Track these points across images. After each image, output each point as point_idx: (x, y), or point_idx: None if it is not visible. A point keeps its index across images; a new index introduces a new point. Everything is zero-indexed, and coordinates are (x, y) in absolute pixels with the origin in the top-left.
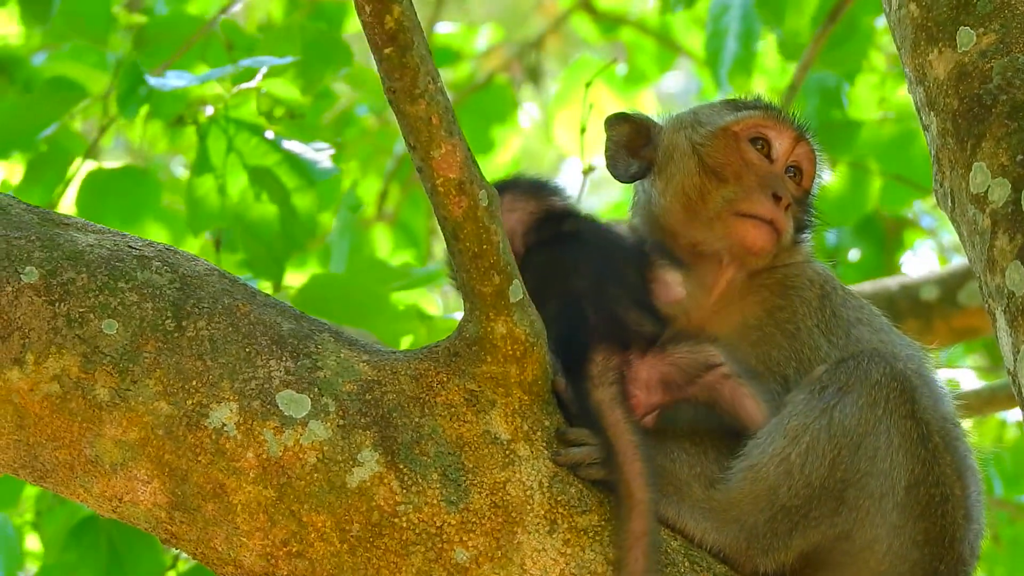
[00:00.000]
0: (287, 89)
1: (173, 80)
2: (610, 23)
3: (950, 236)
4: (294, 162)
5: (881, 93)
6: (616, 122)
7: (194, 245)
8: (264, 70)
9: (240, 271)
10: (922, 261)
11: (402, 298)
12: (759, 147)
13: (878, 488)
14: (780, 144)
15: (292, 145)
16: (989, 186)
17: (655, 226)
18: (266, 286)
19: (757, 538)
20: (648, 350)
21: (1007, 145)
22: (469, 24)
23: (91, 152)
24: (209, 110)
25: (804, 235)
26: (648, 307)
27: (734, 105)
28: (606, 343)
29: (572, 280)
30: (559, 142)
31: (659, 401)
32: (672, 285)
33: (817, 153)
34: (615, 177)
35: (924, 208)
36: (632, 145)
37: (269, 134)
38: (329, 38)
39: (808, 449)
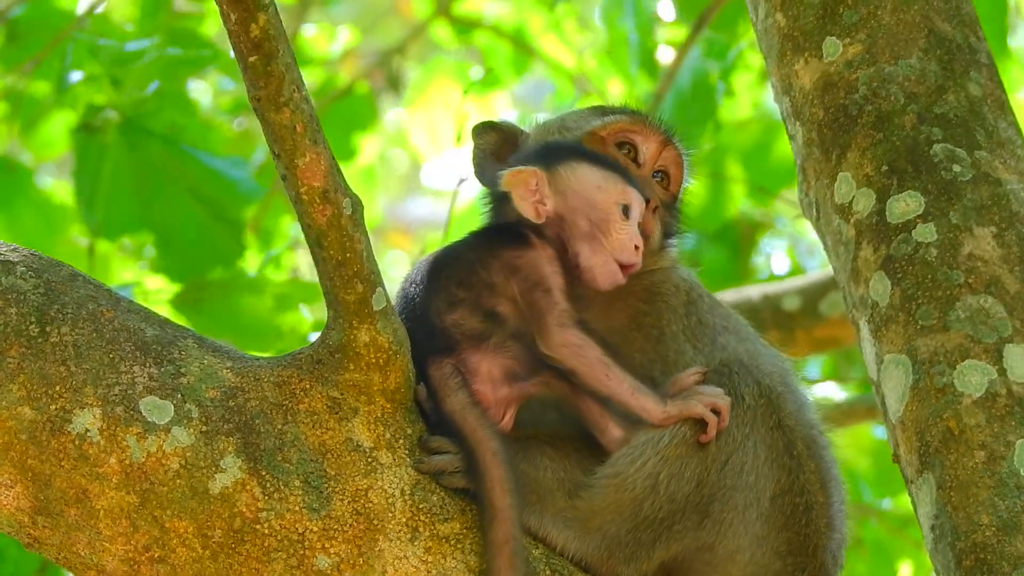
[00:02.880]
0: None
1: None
2: (466, 27)
3: (806, 240)
4: (217, 178)
5: (757, 92)
6: (483, 130)
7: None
8: (155, 85)
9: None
10: (777, 263)
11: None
12: (626, 151)
13: (743, 500)
14: (647, 148)
15: (212, 160)
16: (854, 196)
17: None
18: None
19: (619, 547)
20: (480, 345)
21: (872, 156)
22: (325, 25)
23: None
24: (113, 115)
25: (671, 240)
26: (471, 303)
27: (601, 111)
28: (432, 352)
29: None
30: (415, 144)
31: (507, 395)
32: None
33: (684, 157)
34: (483, 184)
35: (780, 212)
36: (500, 152)
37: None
38: (193, 36)
39: (677, 471)
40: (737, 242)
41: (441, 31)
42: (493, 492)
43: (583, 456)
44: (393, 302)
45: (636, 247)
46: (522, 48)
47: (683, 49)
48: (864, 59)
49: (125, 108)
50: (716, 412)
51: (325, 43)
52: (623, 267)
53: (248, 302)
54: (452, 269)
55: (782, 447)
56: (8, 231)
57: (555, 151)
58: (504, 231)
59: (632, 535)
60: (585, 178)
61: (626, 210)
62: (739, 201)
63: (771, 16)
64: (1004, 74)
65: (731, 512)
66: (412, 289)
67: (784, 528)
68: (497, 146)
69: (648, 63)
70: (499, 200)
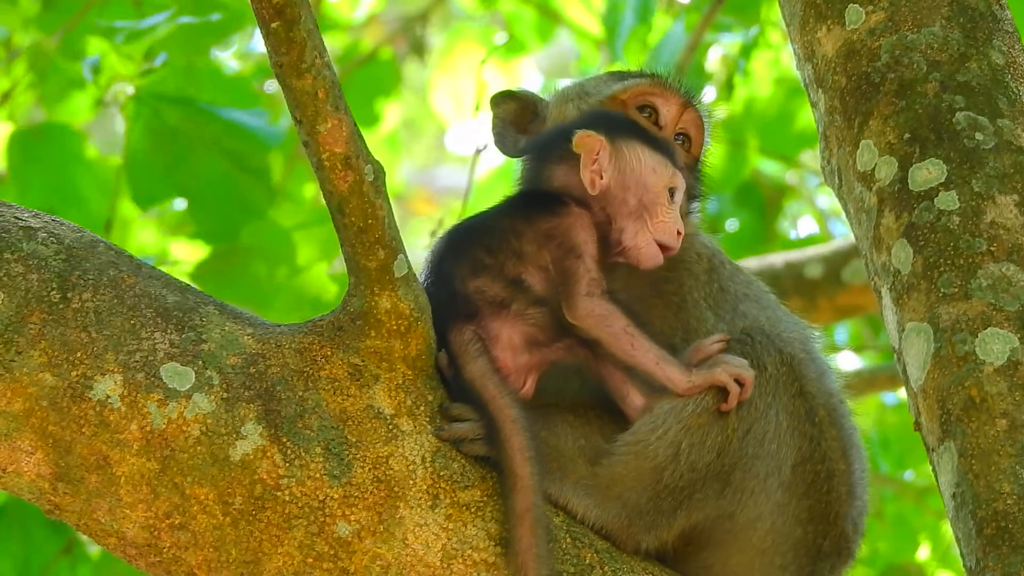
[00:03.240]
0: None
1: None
2: None
3: (829, 200)
4: (237, 130)
5: (777, 70)
6: (502, 100)
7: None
8: (162, 57)
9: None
10: (804, 229)
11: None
12: (647, 115)
13: (764, 469)
14: (667, 111)
15: (230, 113)
16: (876, 164)
17: None
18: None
19: (640, 516)
20: (501, 311)
21: (894, 123)
22: None
23: None
24: (128, 89)
25: (694, 205)
26: (496, 270)
27: (620, 75)
28: (453, 319)
29: (424, 270)
30: (439, 110)
31: (528, 361)
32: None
33: (705, 120)
34: (503, 153)
35: (805, 175)
36: (519, 121)
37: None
38: (217, 6)
39: (699, 440)
40: (763, 207)
41: None
42: (514, 460)
43: (604, 424)
44: (421, 268)
45: (678, 232)
46: (547, 14)
47: (703, 23)
48: (887, 27)
49: (143, 80)
50: (740, 383)
51: (349, 9)
52: (662, 249)
53: (271, 270)
54: (481, 236)
55: (804, 414)
56: (62, 195)
57: (616, 124)
58: (542, 198)
59: (652, 503)
60: (643, 158)
61: (672, 193)
62: (754, 163)
63: None
64: None
65: (752, 480)
66: (439, 255)
67: (805, 496)
68: (516, 115)
69: (639, 46)
70: (539, 165)
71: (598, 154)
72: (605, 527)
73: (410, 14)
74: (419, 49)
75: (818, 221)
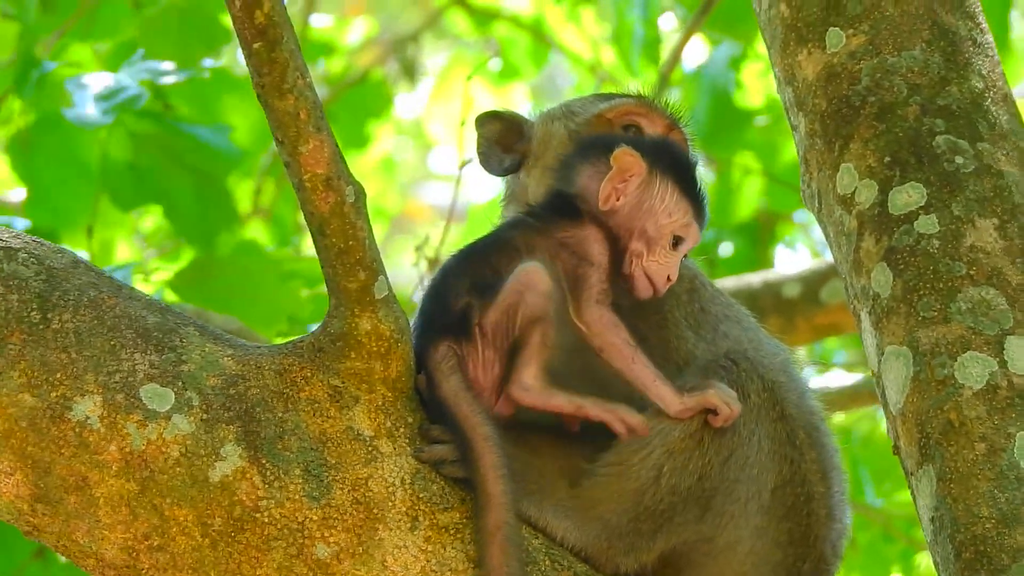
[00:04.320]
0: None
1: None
2: (484, 18)
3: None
4: (200, 146)
5: (768, 82)
6: (487, 120)
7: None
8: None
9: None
10: (797, 258)
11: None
12: (632, 134)
13: (744, 493)
14: (653, 131)
15: (193, 129)
16: (856, 187)
17: None
18: None
19: (619, 538)
20: (482, 327)
21: (875, 147)
22: (343, 17)
23: None
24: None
25: None
26: (495, 289)
27: (606, 96)
28: (435, 335)
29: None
30: (433, 136)
31: (501, 375)
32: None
33: (689, 141)
34: (488, 172)
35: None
36: (504, 141)
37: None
38: (206, 18)
39: (681, 464)
40: (756, 234)
41: (460, 21)
42: (486, 478)
43: (584, 444)
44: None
45: (668, 278)
46: (541, 39)
47: (688, 31)
48: (867, 50)
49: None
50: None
51: (340, 33)
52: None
53: (252, 280)
54: (492, 253)
55: (785, 437)
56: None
57: (666, 158)
58: (562, 204)
59: (632, 525)
60: (667, 199)
61: (677, 241)
62: (752, 197)
63: (775, 7)
64: (1004, 67)
65: (732, 504)
66: (445, 268)
67: (784, 519)
68: (501, 135)
69: (651, 54)
70: (576, 158)
71: (630, 176)
72: (585, 549)
73: (401, 35)
74: (409, 71)
75: (813, 254)
